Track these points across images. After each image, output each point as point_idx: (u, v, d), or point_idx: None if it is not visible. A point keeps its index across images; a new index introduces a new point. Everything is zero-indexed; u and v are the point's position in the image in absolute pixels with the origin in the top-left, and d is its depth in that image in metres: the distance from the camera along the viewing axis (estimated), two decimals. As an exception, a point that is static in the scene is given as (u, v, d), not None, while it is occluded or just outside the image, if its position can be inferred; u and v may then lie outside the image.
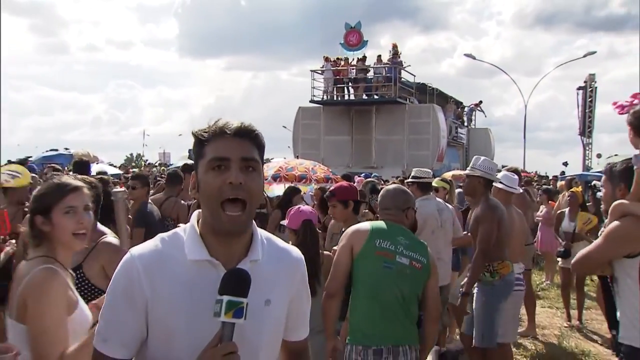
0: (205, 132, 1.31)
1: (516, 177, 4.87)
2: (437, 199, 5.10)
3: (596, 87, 24.45)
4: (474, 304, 4.13)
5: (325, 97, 22.06)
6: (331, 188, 4.31)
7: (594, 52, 26.41)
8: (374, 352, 2.76)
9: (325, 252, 3.42)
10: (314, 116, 22.49)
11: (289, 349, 1.53)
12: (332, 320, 2.95)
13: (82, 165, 6.01)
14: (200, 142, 1.32)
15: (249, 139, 1.32)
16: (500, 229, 4.11)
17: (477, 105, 27.50)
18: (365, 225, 3.02)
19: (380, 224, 3.00)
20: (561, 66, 31.12)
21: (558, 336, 6.12)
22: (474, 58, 26.60)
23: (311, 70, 22.02)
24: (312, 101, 22.12)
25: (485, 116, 28.90)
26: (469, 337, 4.21)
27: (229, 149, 1.28)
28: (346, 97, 22.39)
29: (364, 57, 21.49)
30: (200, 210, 1.36)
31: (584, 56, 25.76)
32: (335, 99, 22.21)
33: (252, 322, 1.23)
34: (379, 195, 3.22)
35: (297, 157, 14.89)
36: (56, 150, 21.98)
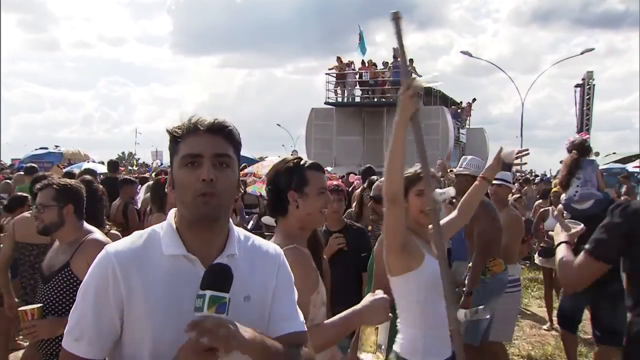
0: (179, 129, 1.31)
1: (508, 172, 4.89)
2: None
3: (594, 85, 23.86)
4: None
5: (346, 100, 23.05)
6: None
7: (591, 49, 25.60)
8: None
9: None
10: (326, 117, 23.66)
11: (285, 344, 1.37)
12: None
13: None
14: (175, 139, 1.32)
15: (222, 134, 1.31)
16: (493, 226, 4.14)
17: (470, 104, 27.73)
18: None
19: None
20: (558, 63, 30.87)
21: (555, 336, 5.97)
22: (471, 55, 26.30)
23: (326, 73, 23.11)
24: (327, 103, 23.24)
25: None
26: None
27: (201, 145, 1.28)
28: (358, 100, 23.51)
29: (374, 64, 22.66)
30: (176, 208, 1.37)
31: (582, 53, 25.45)
32: (350, 100, 23.31)
33: (231, 318, 1.16)
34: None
35: (292, 155, 15.61)
36: (46, 148, 22.02)
